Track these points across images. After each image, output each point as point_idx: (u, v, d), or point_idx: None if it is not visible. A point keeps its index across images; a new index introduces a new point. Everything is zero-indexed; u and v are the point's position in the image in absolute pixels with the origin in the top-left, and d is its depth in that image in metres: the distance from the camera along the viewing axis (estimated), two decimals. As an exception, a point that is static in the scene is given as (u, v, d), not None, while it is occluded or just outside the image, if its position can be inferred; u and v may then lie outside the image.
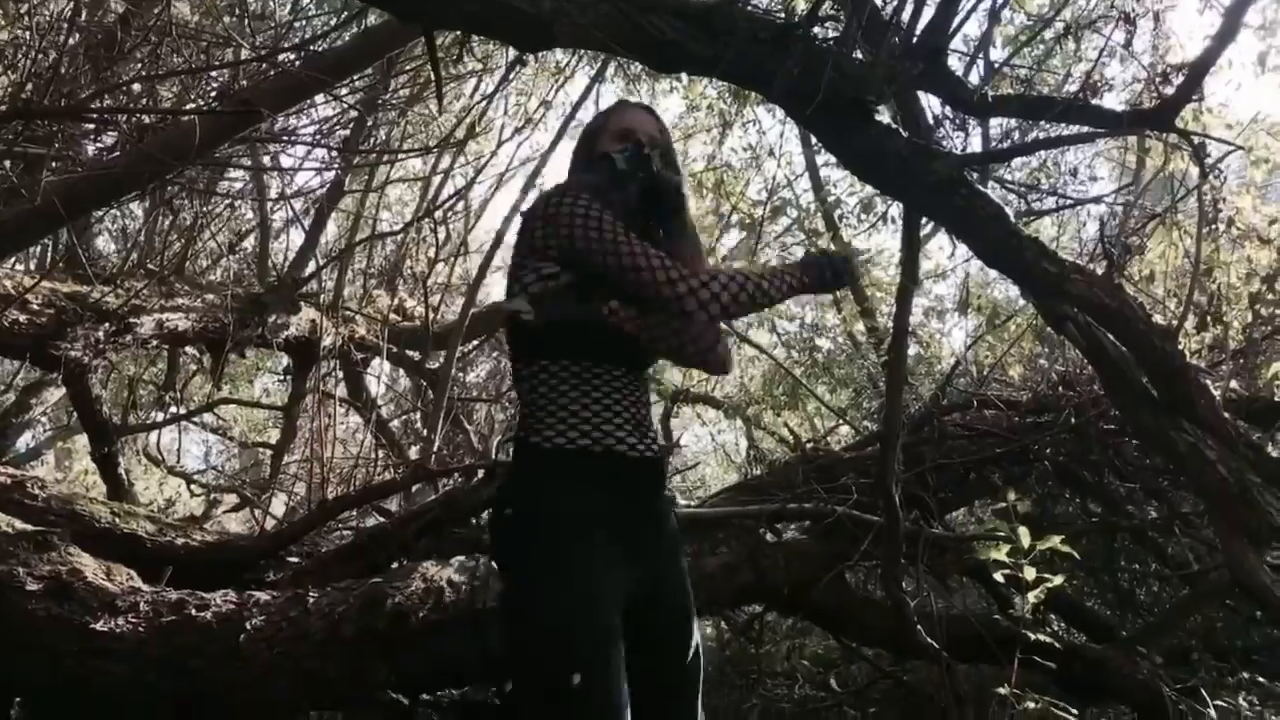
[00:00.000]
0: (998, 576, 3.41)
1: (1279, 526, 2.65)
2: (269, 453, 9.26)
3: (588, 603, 1.80)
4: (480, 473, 4.26)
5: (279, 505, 8.25)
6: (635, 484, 1.98)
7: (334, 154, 5.93)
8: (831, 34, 2.41)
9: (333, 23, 4.90)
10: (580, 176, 2.13)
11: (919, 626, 3.73)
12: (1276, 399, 3.10)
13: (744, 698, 5.11)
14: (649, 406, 2.08)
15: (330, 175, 6.57)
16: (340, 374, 6.85)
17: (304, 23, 5.71)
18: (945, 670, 3.83)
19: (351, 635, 3.26)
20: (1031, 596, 3.49)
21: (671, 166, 2.15)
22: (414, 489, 5.18)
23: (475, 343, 7.76)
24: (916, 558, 4.15)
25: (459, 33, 2.77)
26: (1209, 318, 3.56)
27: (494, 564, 2.04)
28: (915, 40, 2.52)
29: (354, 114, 5.74)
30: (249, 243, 7.29)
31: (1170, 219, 3.63)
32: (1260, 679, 4.43)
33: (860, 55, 2.49)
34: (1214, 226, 3.34)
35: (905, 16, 2.54)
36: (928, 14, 2.57)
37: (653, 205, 2.07)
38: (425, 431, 6.58)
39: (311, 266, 6.46)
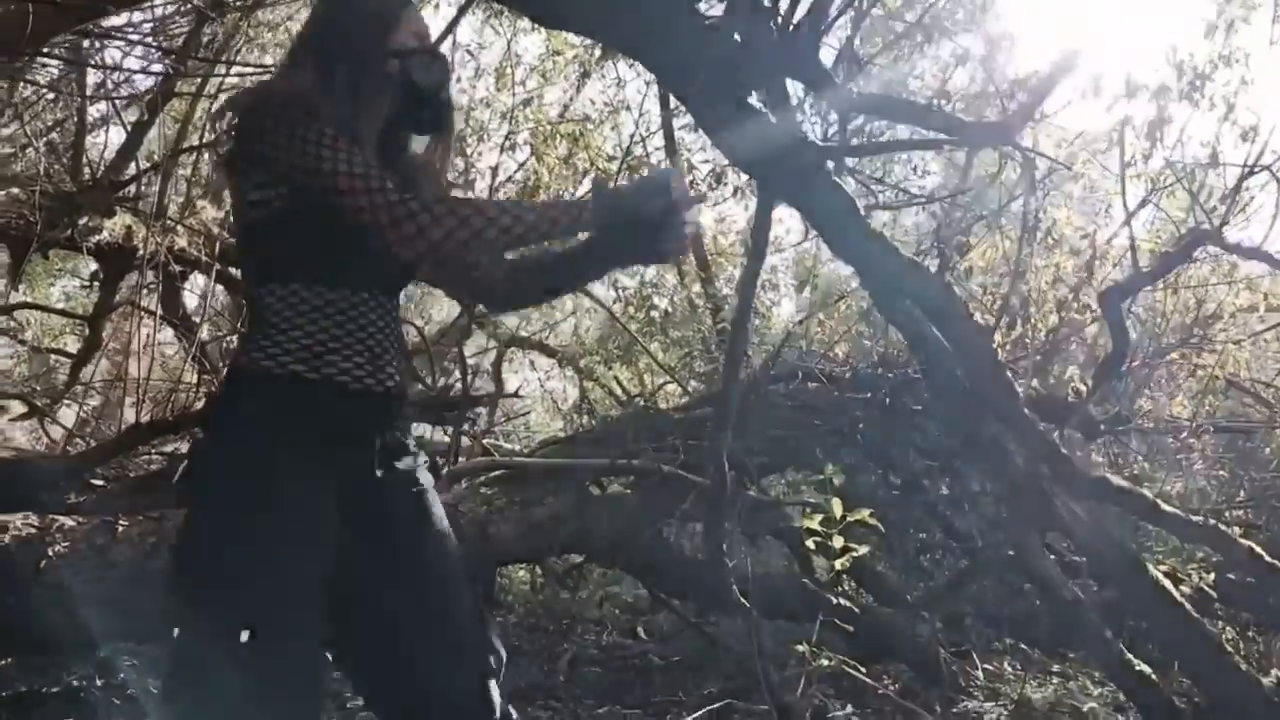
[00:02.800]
0: (809, 543, 3.63)
1: (1060, 517, 2.94)
2: (62, 361, 8.67)
3: (275, 558, 1.63)
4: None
5: (68, 417, 7.74)
6: (353, 417, 1.78)
7: (166, 55, 5.53)
8: (714, 15, 2.45)
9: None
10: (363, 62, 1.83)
11: (733, 584, 3.91)
12: (1069, 399, 3.43)
13: (555, 643, 5.23)
14: (396, 338, 1.87)
15: (157, 75, 6.12)
16: (156, 288, 6.45)
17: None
18: (754, 627, 4.05)
19: (164, 566, 3.14)
20: (838, 564, 3.74)
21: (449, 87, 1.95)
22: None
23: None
24: (733, 519, 4.35)
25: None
26: (1018, 319, 3.87)
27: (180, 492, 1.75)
28: (791, 29, 2.60)
29: (192, 12, 5.36)
30: (57, 136, 6.72)
31: (995, 222, 3.91)
32: (1022, 645, 4.92)
33: (739, 39, 2.54)
34: (1034, 235, 3.62)
35: (784, 5, 2.60)
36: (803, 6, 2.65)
37: (438, 123, 1.91)
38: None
39: (133, 170, 6.02)
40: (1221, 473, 5.40)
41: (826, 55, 2.78)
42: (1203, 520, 3.28)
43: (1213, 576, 3.99)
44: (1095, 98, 3.71)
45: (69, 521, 3.13)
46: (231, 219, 1.87)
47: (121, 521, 3.16)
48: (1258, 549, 3.25)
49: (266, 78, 1.96)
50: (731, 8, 2.46)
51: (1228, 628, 4.33)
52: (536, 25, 5.91)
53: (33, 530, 2.98)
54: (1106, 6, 2.94)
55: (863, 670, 3.67)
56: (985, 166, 4.30)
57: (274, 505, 1.66)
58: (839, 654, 3.68)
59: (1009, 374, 3.16)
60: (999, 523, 4.86)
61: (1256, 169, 3.35)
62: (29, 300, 7.69)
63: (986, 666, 4.52)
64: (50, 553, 2.94)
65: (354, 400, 1.76)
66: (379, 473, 1.82)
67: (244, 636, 1.55)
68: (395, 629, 1.78)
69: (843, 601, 4.29)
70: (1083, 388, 3.44)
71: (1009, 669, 4.57)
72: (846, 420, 5.11)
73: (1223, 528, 3.30)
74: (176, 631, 1.64)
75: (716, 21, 2.43)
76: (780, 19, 2.57)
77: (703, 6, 2.41)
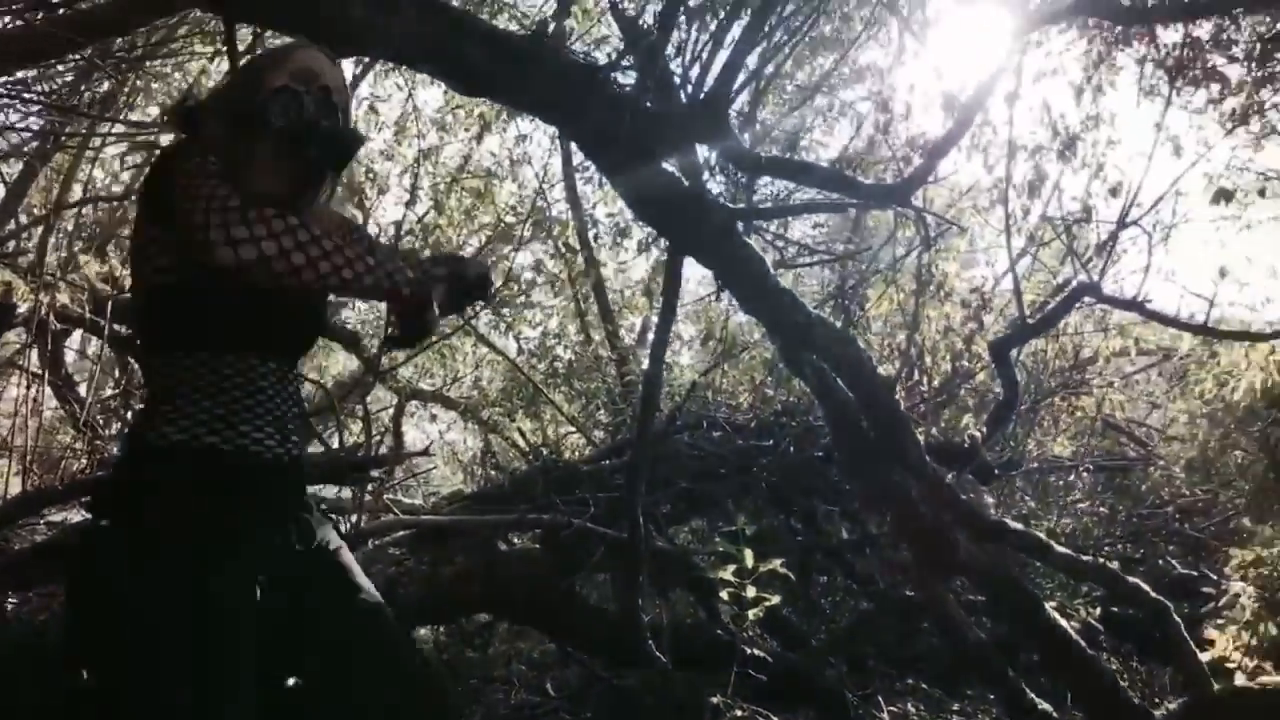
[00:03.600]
0: (722, 594, 3.68)
1: (962, 560, 3.06)
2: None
3: (209, 649, 1.59)
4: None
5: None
6: (269, 489, 1.76)
7: (51, 109, 5.34)
8: (627, 83, 2.53)
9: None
10: (231, 114, 1.81)
11: (648, 637, 3.93)
12: (965, 445, 3.59)
13: (465, 703, 5.12)
14: (298, 404, 1.84)
15: (39, 130, 5.92)
16: (35, 347, 6.17)
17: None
18: (665, 679, 4.07)
19: (58, 647, 2.99)
20: (751, 614, 3.81)
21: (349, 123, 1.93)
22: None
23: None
24: (645, 571, 4.37)
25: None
26: (914, 368, 4.04)
27: (72, 575, 1.71)
28: (701, 98, 2.70)
29: (77, 65, 5.21)
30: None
31: (890, 276, 4.09)
32: (923, 685, 5.04)
33: (651, 105, 2.63)
34: (926, 288, 3.80)
35: (694, 73, 2.71)
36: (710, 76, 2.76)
37: (327, 159, 1.87)
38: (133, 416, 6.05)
39: (12, 225, 5.77)
40: (1102, 509, 5.69)
41: (733, 122, 2.90)
42: (1091, 559, 3.46)
43: (1098, 610, 4.21)
44: (979, 154, 3.95)
45: (-48, 600, 2.95)
46: (130, 282, 1.80)
47: (11, 599, 3.00)
48: (1142, 584, 3.45)
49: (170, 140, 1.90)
50: (644, 78, 2.55)
51: (1113, 659, 4.54)
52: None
53: (-87, 611, 2.80)
54: (986, 69, 3.16)
55: (775, 719, 3.72)
56: (880, 221, 4.50)
57: (205, 591, 1.60)
58: (750, 703, 3.71)
59: (911, 424, 3.30)
60: (900, 565, 5.01)
61: (1128, 223, 3.60)
62: (-106, 362, 7.22)
63: (891, 708, 4.62)
64: (-67, 634, 2.76)
65: (268, 470, 1.74)
66: (297, 545, 1.79)
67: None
68: (338, 697, 1.74)
69: (755, 651, 4.34)
70: (977, 434, 3.60)
71: (912, 709, 4.68)
72: (750, 468, 5.20)
73: (1109, 564, 3.49)
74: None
75: (630, 90, 2.51)
76: (690, 88, 2.67)
77: (616, 77, 2.48)
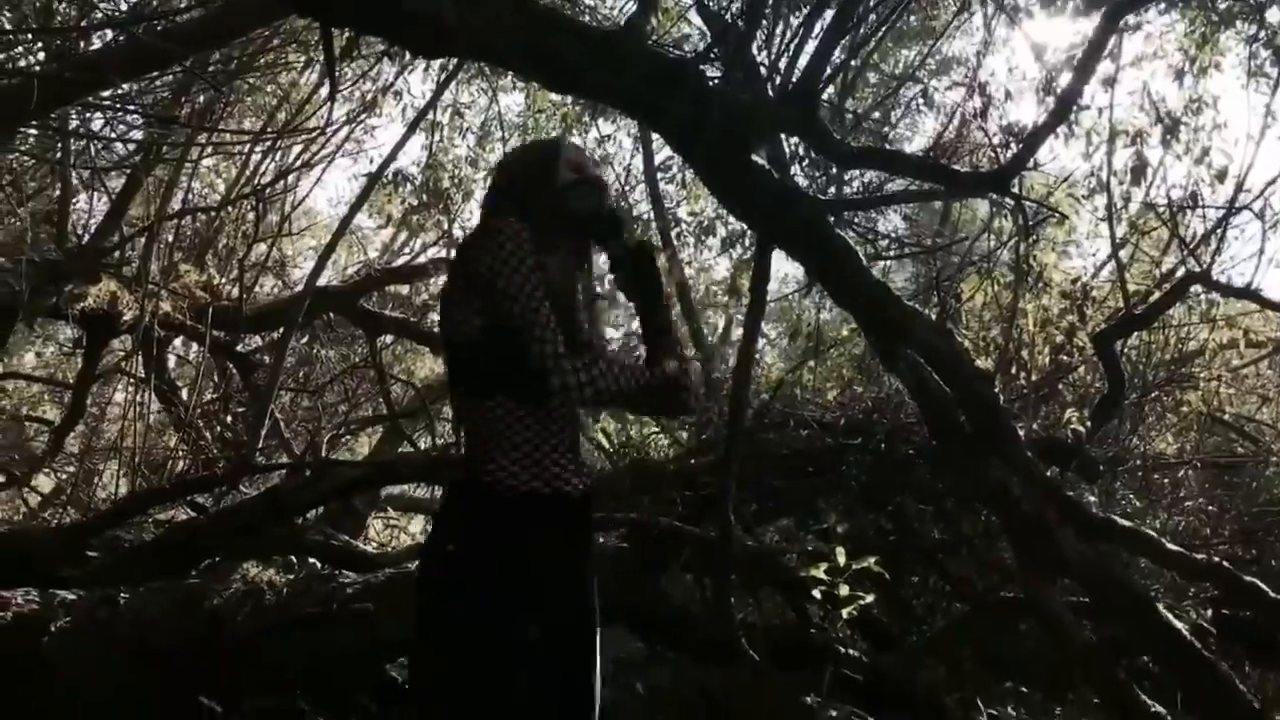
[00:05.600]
0: (814, 593, 3.62)
1: (1069, 559, 2.95)
2: (38, 428, 8.54)
3: (510, 653, 1.90)
4: (307, 471, 4.10)
5: (46, 486, 7.62)
6: (576, 521, 2.05)
7: (151, 122, 5.54)
8: (715, 76, 2.50)
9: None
10: (537, 202, 2.10)
11: (740, 636, 3.89)
12: (1068, 441, 3.46)
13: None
14: (580, 438, 2.12)
15: (139, 142, 6.14)
16: (140, 353, 6.40)
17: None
18: (757, 679, 4.02)
19: (165, 639, 3.08)
20: (845, 612, 3.74)
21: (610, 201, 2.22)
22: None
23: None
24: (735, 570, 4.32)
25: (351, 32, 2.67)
26: (1013, 362, 3.92)
27: (424, 594, 2.05)
28: (791, 88, 2.66)
29: (176, 78, 5.38)
30: (36, 204, 6.70)
31: (986, 268, 3.97)
32: (1023, 688, 4.89)
33: (742, 98, 2.59)
34: (1025, 280, 3.69)
35: (782, 65, 2.66)
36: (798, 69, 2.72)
37: (608, 237, 2.13)
38: (234, 420, 6.25)
39: (117, 237, 6.00)
40: (1211, 508, 5.44)
41: (821, 113, 2.85)
42: (1204, 558, 3.31)
43: (1210, 612, 4.02)
44: (1077, 141, 3.82)
45: (69, 595, 3.06)
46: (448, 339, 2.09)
47: (123, 594, 3.10)
48: (1259, 584, 3.28)
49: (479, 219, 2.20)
50: (731, 71, 2.51)
51: (1224, 663, 4.33)
52: (527, 85, 6.00)
53: (34, 606, 2.91)
54: (1082, 54, 3.04)
55: (871, 719, 3.65)
56: (971, 213, 4.38)
57: (520, 612, 1.93)
58: (845, 705, 3.65)
59: (1010, 419, 3.19)
60: (995, 565, 4.87)
61: (1237, 209, 3.45)
62: (13, 370, 7.58)
63: (990, 711, 4.49)
64: (53, 627, 2.87)
65: (576, 504, 2.03)
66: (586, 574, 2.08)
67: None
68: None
69: (849, 651, 4.26)
70: (1081, 429, 3.47)
71: (1011, 712, 4.54)
72: (840, 466, 5.11)
73: (1225, 564, 3.33)
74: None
75: (718, 83, 2.48)
76: (778, 80, 2.63)
77: (704, 70, 2.46)
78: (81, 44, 3.32)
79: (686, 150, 2.55)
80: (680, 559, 4.50)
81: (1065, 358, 4.02)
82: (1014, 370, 3.95)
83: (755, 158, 2.63)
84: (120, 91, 4.60)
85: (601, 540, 5.01)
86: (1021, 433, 3.32)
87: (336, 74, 2.28)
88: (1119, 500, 5.44)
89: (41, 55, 3.44)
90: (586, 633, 2.08)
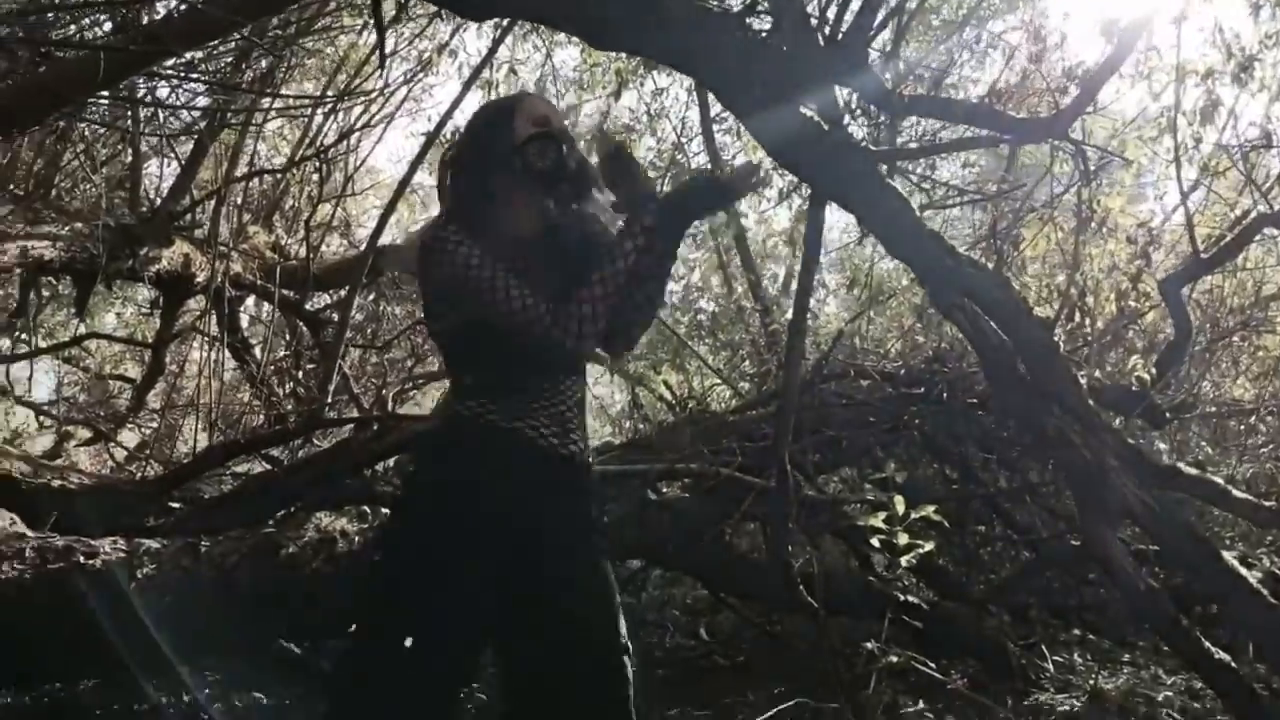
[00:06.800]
0: (873, 540, 3.63)
1: (1130, 507, 2.92)
2: (121, 386, 8.88)
3: (455, 593, 1.87)
4: (375, 425, 4.22)
5: (130, 441, 7.94)
6: (551, 479, 2.02)
7: (215, 88, 5.67)
8: (764, 27, 2.49)
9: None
10: (496, 162, 2.07)
11: (799, 583, 3.93)
12: (1133, 388, 3.40)
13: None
14: (581, 408, 2.10)
15: (204, 109, 6.28)
16: (213, 313, 6.61)
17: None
18: (819, 625, 4.06)
19: (245, 584, 3.24)
20: (904, 560, 3.75)
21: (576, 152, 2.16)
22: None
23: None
24: (794, 519, 4.35)
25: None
26: (1076, 309, 3.85)
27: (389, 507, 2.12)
28: (840, 37, 2.63)
29: (237, 45, 5.49)
30: (109, 170, 6.91)
31: (1047, 214, 3.89)
32: (1091, 636, 4.86)
33: (787, 48, 2.57)
34: (1087, 224, 3.61)
35: (831, 14, 2.63)
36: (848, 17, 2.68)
37: (575, 189, 2.10)
38: (305, 375, 6.42)
39: (187, 200, 6.18)
40: (1282, 454, 5.31)
41: (873, 60, 2.81)
42: (1275, 505, 3.24)
43: (1281, 560, 3.94)
44: (1144, 81, 3.69)
45: (154, 544, 3.23)
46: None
47: (204, 542, 3.26)
48: (1332, 532, 3.21)
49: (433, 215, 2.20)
50: (779, 20, 2.49)
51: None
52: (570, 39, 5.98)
53: (121, 554, 3.08)
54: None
55: (932, 666, 3.67)
56: (1034, 157, 4.27)
57: (459, 530, 1.91)
58: (906, 650, 3.67)
59: (1070, 366, 3.15)
60: (1062, 513, 4.83)
61: (1314, 148, 3.32)
62: (94, 331, 7.89)
63: (1056, 658, 4.48)
64: (139, 574, 3.04)
65: (558, 462, 2.00)
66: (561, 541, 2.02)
67: (407, 643, 1.79)
68: (550, 658, 1.97)
69: (910, 598, 4.28)
70: (1146, 376, 3.41)
71: (1079, 660, 4.53)
72: (901, 416, 5.10)
73: (1295, 511, 3.25)
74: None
75: (766, 35, 2.46)
76: (828, 29, 2.60)
77: (750, 21, 2.44)
78: (145, 16, 3.42)
79: (734, 103, 2.55)
80: (741, 508, 4.55)
81: (1132, 304, 3.92)
82: (1078, 318, 3.88)
83: (805, 110, 2.61)
84: (184, 60, 4.72)
85: (665, 491, 5.09)
86: (1084, 380, 3.27)
87: (385, 38, 2.32)
88: (1191, 448, 5.34)
89: (108, 27, 3.55)
90: (566, 596, 2.01)
